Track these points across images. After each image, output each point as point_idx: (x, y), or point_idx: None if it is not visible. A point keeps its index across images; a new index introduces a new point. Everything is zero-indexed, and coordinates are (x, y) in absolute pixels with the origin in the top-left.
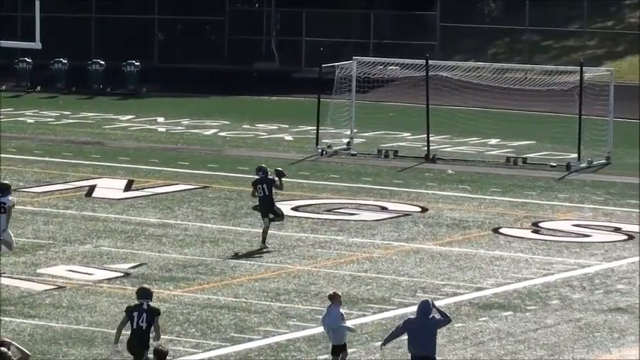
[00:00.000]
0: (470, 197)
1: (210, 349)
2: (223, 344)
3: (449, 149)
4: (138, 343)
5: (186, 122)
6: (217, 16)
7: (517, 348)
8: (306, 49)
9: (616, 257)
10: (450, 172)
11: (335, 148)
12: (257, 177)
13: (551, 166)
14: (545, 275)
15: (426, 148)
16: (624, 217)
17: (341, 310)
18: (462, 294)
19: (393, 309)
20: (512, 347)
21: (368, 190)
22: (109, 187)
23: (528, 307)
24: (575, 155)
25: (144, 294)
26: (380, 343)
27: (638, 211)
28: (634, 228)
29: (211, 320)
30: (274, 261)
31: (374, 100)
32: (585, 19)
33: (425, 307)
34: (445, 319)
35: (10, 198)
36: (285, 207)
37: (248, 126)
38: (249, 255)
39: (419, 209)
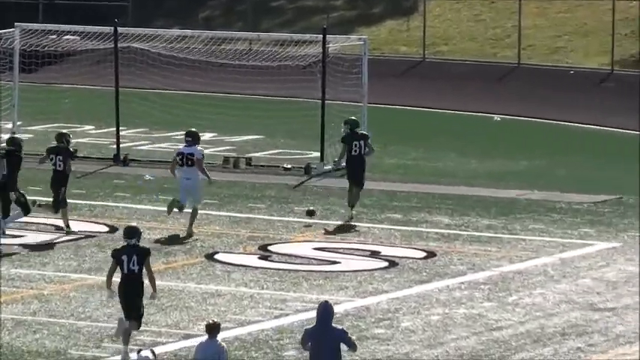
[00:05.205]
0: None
1: None
2: None
3: (146, 147)
4: (131, 290)
5: None
6: None
7: None
8: None
9: (373, 292)
10: (147, 177)
11: None
12: (348, 131)
13: (285, 169)
14: (277, 317)
15: (115, 146)
16: (384, 237)
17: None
18: (163, 343)
19: None
20: None
21: None
22: None
23: None
24: (317, 154)
25: (131, 232)
26: None
27: (399, 228)
28: (397, 251)
29: None
30: None
31: (44, 81)
32: None
33: (325, 310)
34: (353, 346)
35: (199, 148)
36: None
37: None
38: None
39: (106, 229)
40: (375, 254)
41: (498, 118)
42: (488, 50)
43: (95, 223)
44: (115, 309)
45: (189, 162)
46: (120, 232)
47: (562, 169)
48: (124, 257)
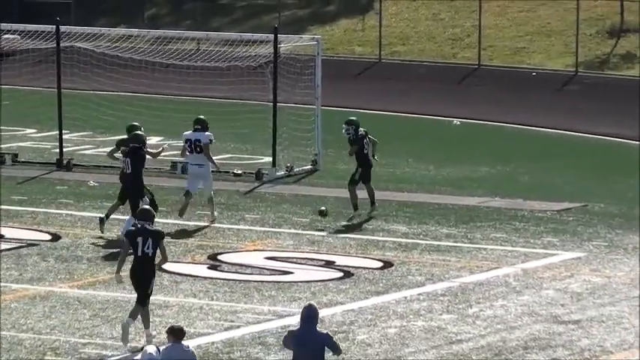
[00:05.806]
0: (116, 219)
1: None
2: None
3: (90, 152)
4: (144, 271)
5: None
6: None
7: None
8: None
9: (327, 303)
10: (91, 183)
11: None
12: (352, 132)
13: (235, 175)
14: (227, 329)
15: (57, 150)
16: (338, 247)
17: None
18: (109, 357)
19: None
20: None
21: None
22: None
23: None
24: (269, 159)
25: (145, 215)
26: None
27: (355, 236)
28: (352, 261)
29: None
30: None
31: None
32: None
33: (309, 313)
34: (337, 350)
35: (207, 134)
36: None
37: None
38: None
39: (48, 237)
40: (329, 264)
41: (458, 122)
42: (447, 51)
43: (37, 231)
44: (58, 320)
45: (198, 148)
46: (64, 242)
47: (525, 176)
48: (139, 239)
